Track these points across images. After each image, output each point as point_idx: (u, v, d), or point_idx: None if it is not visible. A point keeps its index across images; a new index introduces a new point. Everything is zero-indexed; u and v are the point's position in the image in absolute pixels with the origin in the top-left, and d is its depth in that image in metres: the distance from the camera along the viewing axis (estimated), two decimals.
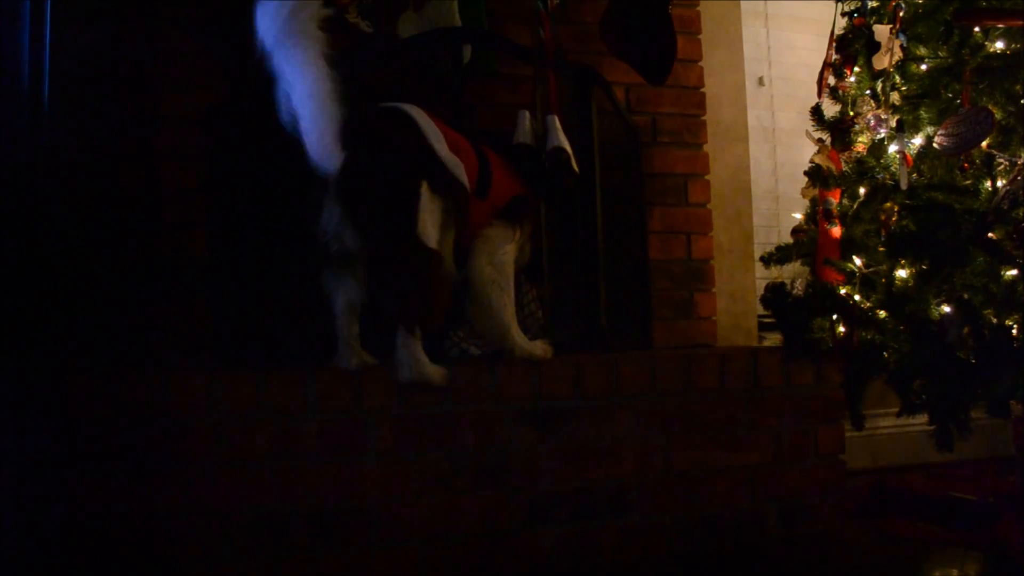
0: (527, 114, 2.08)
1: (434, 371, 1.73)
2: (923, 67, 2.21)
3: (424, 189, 1.68)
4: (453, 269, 1.84)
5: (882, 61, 2.22)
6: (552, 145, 2.02)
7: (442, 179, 1.74)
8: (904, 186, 2.07)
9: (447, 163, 1.76)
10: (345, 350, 1.79)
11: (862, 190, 2.24)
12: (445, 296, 1.74)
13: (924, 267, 2.03)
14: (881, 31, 2.23)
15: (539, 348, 1.93)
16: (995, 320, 1.93)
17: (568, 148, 2.04)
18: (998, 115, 2.01)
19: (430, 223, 1.70)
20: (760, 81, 3.21)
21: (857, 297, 2.10)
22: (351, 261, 1.75)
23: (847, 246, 2.20)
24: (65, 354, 1.66)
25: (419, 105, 1.83)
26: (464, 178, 1.80)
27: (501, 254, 1.91)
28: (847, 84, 2.32)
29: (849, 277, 2.12)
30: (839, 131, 2.28)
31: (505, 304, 1.90)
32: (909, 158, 2.12)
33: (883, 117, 2.20)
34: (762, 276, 2.82)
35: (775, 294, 2.20)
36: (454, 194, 1.77)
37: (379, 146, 1.70)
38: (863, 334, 2.08)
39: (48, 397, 1.52)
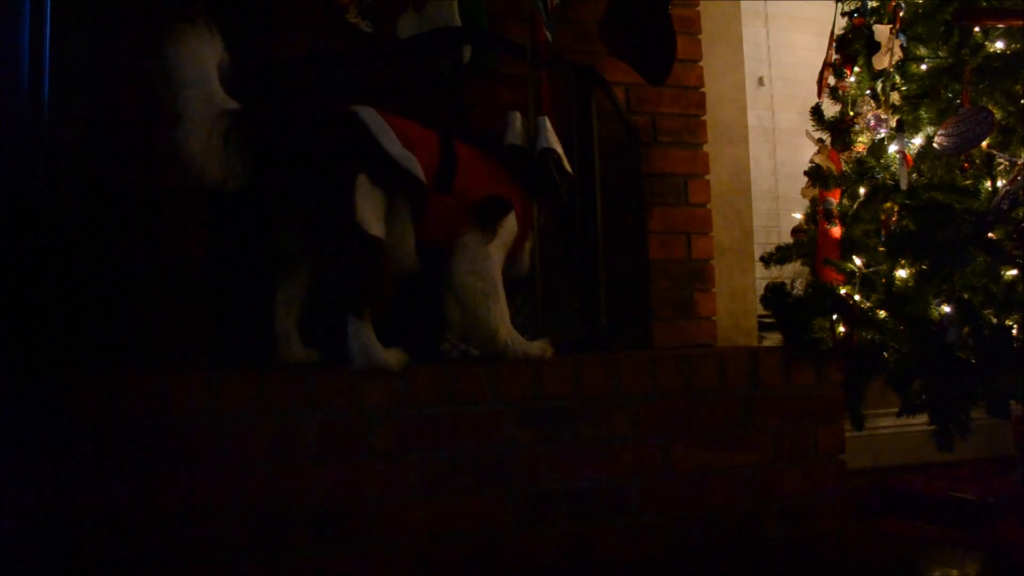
0: (518, 115, 2.09)
1: (387, 357, 1.76)
2: (923, 67, 2.21)
3: (362, 180, 1.76)
4: (414, 260, 1.90)
5: (882, 61, 2.22)
6: (541, 147, 2.02)
7: (385, 171, 1.79)
8: (904, 186, 2.07)
9: (395, 157, 1.81)
10: (282, 345, 1.90)
11: (862, 190, 2.24)
12: (389, 282, 1.80)
13: (924, 267, 2.03)
14: (881, 31, 2.23)
15: (536, 347, 1.92)
16: (995, 320, 1.93)
17: (559, 149, 2.04)
18: (998, 115, 2.01)
19: (370, 212, 1.76)
20: (760, 81, 3.21)
21: (857, 297, 2.10)
22: (295, 259, 1.87)
23: (847, 246, 2.20)
24: (65, 354, 1.66)
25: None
26: (417, 171, 1.83)
27: (482, 260, 1.91)
28: (847, 84, 2.32)
29: (849, 277, 2.12)
30: (839, 131, 2.28)
31: (491, 311, 1.89)
32: (909, 158, 2.12)
33: (883, 117, 2.20)
34: (762, 276, 2.82)
35: (775, 294, 2.20)
36: (405, 186, 1.83)
37: (317, 144, 1.80)
38: (863, 334, 2.07)
39: (48, 397, 1.52)
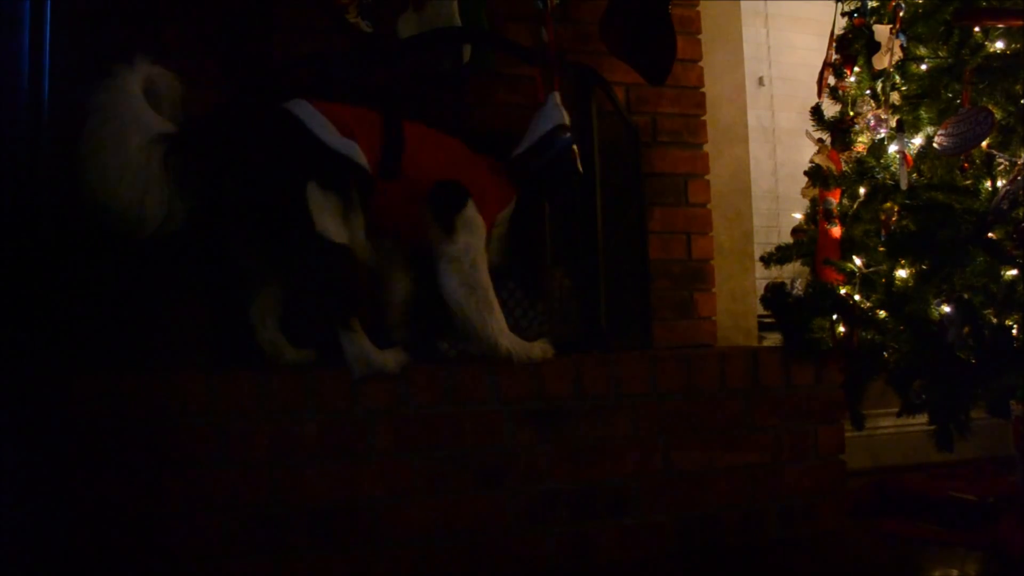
0: (557, 95, 2.05)
1: (386, 359, 1.75)
2: (923, 67, 2.21)
3: (313, 188, 1.71)
4: (366, 253, 1.85)
5: (882, 61, 2.22)
6: (556, 124, 1.99)
7: (333, 170, 1.74)
8: (904, 186, 2.07)
9: (338, 149, 1.75)
10: (270, 353, 1.89)
11: (862, 190, 2.24)
12: (365, 283, 1.81)
13: (924, 267, 2.03)
14: (881, 31, 2.23)
15: (537, 349, 1.91)
16: (995, 320, 1.93)
17: (567, 122, 2.00)
18: (998, 115, 2.01)
19: (329, 219, 1.72)
20: (760, 81, 3.21)
21: (857, 297, 2.10)
22: (261, 272, 1.85)
23: (847, 246, 2.20)
24: (65, 354, 1.66)
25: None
26: (360, 158, 1.78)
27: (469, 270, 1.87)
28: (847, 84, 2.32)
29: (849, 277, 2.12)
30: (839, 131, 2.28)
31: (488, 323, 1.86)
32: (909, 158, 2.12)
33: (883, 117, 2.20)
34: (762, 276, 2.82)
35: (775, 294, 2.20)
36: (353, 178, 1.77)
37: (259, 156, 1.73)
38: (863, 334, 2.08)
39: (48, 397, 1.52)
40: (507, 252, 2.07)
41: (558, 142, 2.01)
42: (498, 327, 1.87)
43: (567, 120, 2.02)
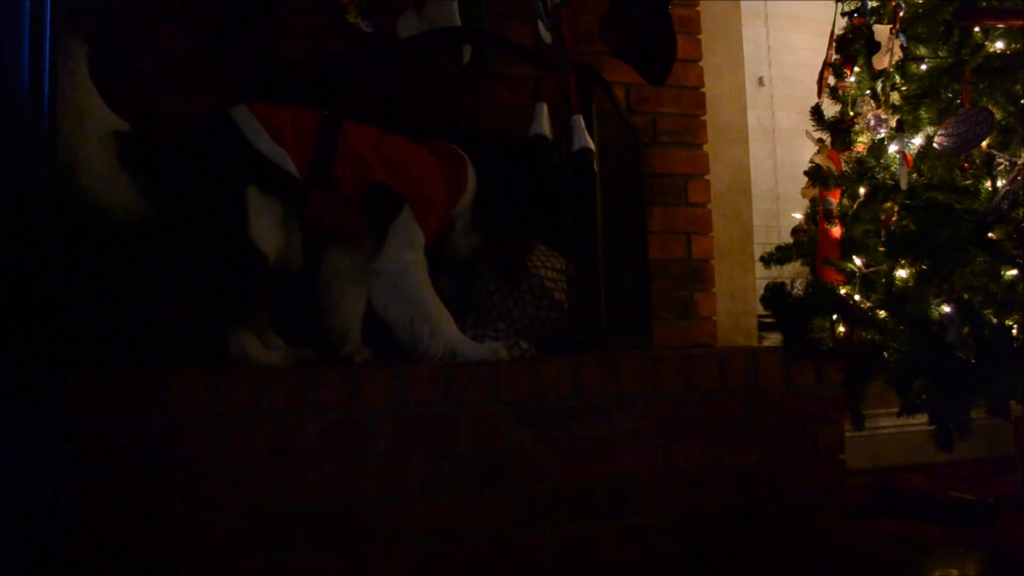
0: (544, 106, 2.06)
1: (270, 357, 1.83)
2: (923, 67, 2.21)
3: (251, 192, 1.76)
4: (299, 262, 1.90)
5: (882, 61, 2.22)
6: (580, 146, 2.00)
7: (265, 176, 1.78)
8: (904, 186, 2.07)
9: (267, 155, 1.78)
10: (241, 351, 1.87)
11: (862, 190, 2.24)
12: (266, 293, 1.85)
13: (924, 267, 2.03)
14: (881, 31, 2.23)
15: (486, 350, 1.87)
16: (995, 320, 1.93)
17: (593, 148, 2.02)
18: (998, 115, 2.01)
19: (259, 223, 1.78)
20: (760, 81, 3.21)
21: (857, 297, 2.10)
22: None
23: (847, 246, 2.20)
24: (65, 354, 1.66)
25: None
26: (289, 165, 1.80)
27: (397, 281, 1.85)
28: (847, 84, 2.32)
29: (849, 277, 2.12)
30: (839, 131, 2.28)
31: (417, 330, 1.84)
32: (909, 158, 2.12)
33: (883, 117, 2.20)
34: (762, 276, 2.81)
35: (775, 294, 2.20)
36: (285, 184, 1.81)
37: (199, 161, 1.80)
38: (863, 334, 2.07)
39: (48, 397, 1.52)
40: (479, 241, 2.06)
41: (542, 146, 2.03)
42: (433, 334, 1.85)
43: (547, 131, 2.03)
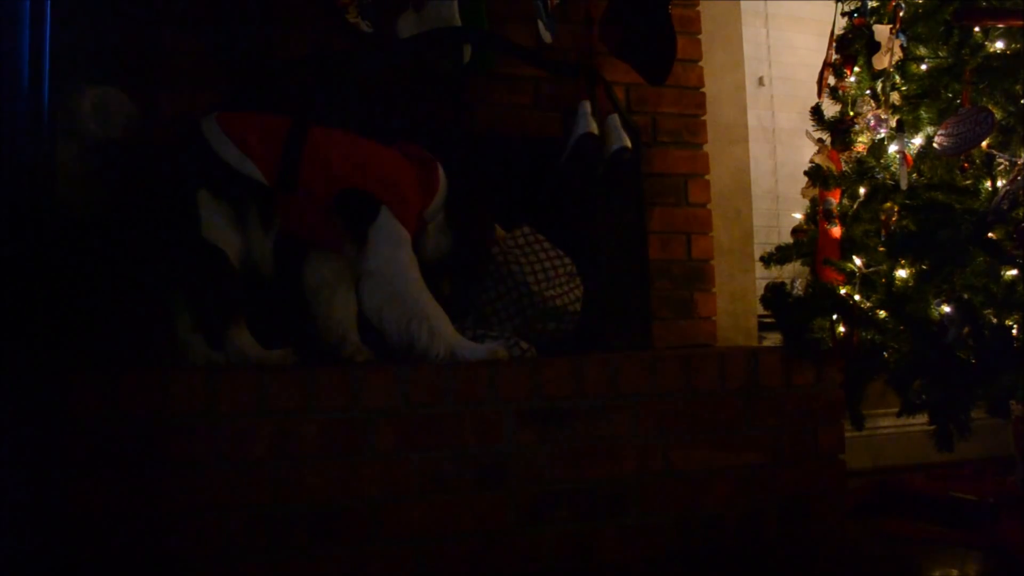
0: (588, 103, 2.07)
1: (270, 357, 1.85)
2: (923, 67, 2.21)
3: (203, 196, 1.82)
4: (270, 267, 1.93)
5: (882, 61, 2.22)
6: (619, 145, 2.01)
7: (224, 182, 1.83)
8: (904, 186, 2.07)
9: (230, 162, 1.83)
10: (187, 351, 1.91)
11: (862, 190, 2.24)
12: (239, 281, 1.86)
13: (924, 267, 2.03)
14: (881, 31, 2.23)
15: (482, 351, 1.86)
16: (995, 320, 1.93)
17: (630, 146, 2.02)
18: (998, 115, 2.01)
19: (217, 226, 1.83)
20: (760, 81, 3.21)
21: (857, 297, 2.10)
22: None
23: (847, 246, 2.20)
24: (65, 354, 1.66)
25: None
26: (253, 172, 1.84)
27: (391, 281, 1.85)
28: (847, 84, 2.32)
29: (849, 277, 2.12)
30: (839, 131, 2.28)
31: (415, 331, 1.83)
32: (909, 158, 2.12)
33: (883, 117, 2.20)
34: (762, 276, 2.81)
35: (775, 294, 2.20)
36: (248, 191, 1.85)
37: (160, 167, 1.90)
38: (863, 334, 2.07)
39: (47, 396, 1.52)
40: (449, 242, 2.05)
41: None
42: (432, 335, 1.84)
43: (594, 128, 2.03)
